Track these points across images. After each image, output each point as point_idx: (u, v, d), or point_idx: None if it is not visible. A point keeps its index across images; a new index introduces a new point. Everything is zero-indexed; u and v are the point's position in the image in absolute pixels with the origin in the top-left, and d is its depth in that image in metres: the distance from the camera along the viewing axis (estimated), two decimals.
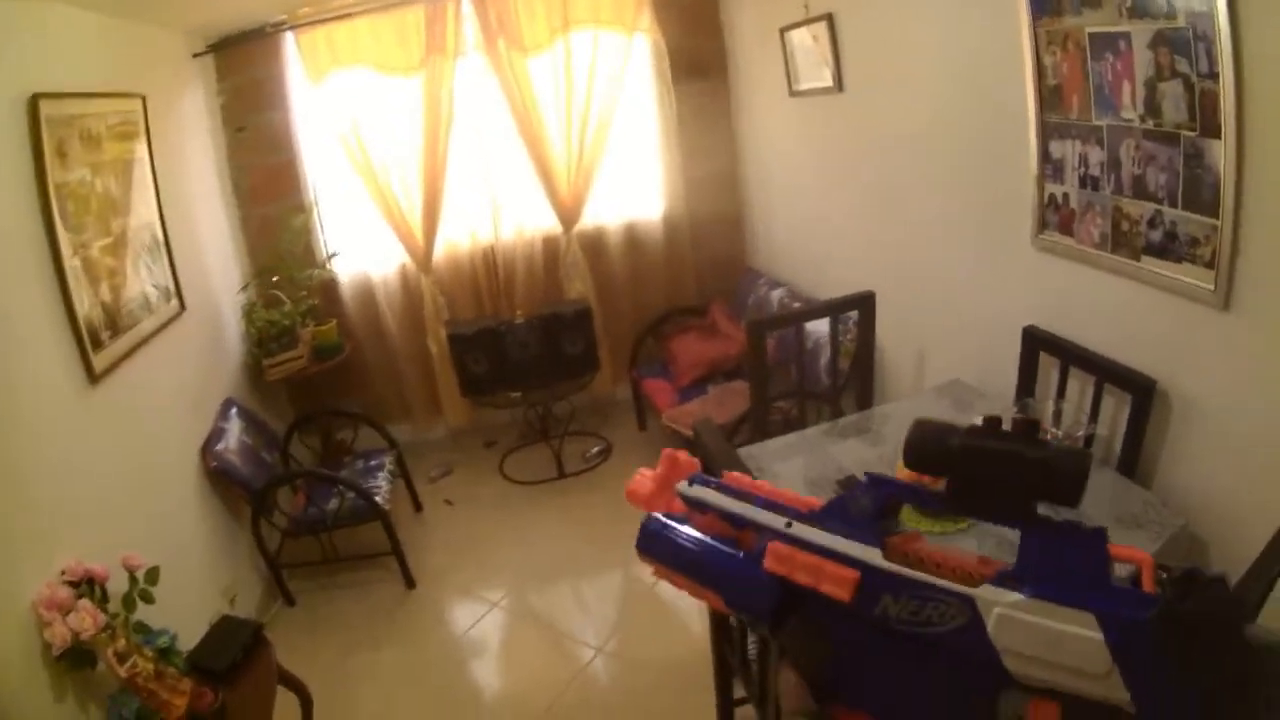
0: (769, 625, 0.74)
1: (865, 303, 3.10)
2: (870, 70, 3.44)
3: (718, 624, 2.50)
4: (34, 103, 2.58)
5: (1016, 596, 0.59)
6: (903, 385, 3.54)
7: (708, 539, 0.79)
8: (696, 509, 0.83)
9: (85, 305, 2.82)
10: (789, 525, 0.74)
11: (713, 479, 0.84)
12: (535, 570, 4.11)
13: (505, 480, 4.94)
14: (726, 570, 0.76)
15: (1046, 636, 0.57)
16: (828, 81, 3.65)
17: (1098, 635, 0.55)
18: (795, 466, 2.46)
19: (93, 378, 2.83)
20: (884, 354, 3.23)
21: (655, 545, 0.83)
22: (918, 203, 3.28)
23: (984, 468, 0.64)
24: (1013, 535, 0.63)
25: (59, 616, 2.28)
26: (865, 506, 0.72)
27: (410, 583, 4.06)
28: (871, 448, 2.49)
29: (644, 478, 0.90)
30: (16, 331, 2.48)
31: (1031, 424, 0.65)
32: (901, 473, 1.01)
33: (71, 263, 2.76)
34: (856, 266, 3.77)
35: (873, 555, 0.68)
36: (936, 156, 3.09)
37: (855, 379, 3.31)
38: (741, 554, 0.76)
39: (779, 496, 0.79)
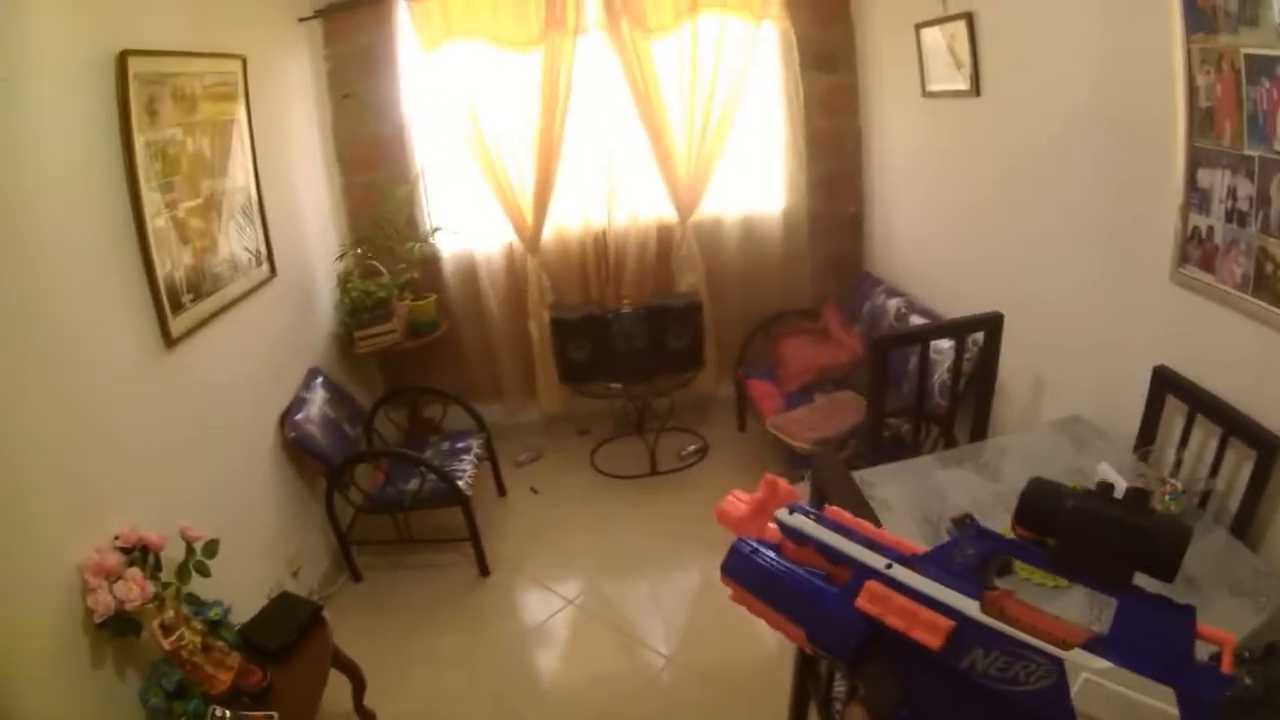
0: (849, 664, 0.75)
1: (992, 325, 2.91)
2: (1008, 76, 3.22)
3: (806, 658, 2.38)
4: (122, 59, 2.58)
5: (1104, 664, 0.62)
6: (1018, 413, 3.33)
7: (800, 570, 0.79)
8: (793, 539, 0.82)
9: (167, 267, 2.84)
10: (889, 566, 0.75)
11: (813, 511, 0.84)
12: (614, 568, 4.04)
13: (595, 471, 4.87)
14: (815, 603, 0.76)
15: (1126, 706, 0.60)
16: (962, 85, 3.43)
17: (1174, 711, 0.58)
18: (904, 494, 2.35)
19: (169, 341, 2.85)
20: (1000, 378, 3.02)
21: (743, 569, 0.83)
22: (1047, 221, 3.07)
23: (1089, 533, 0.68)
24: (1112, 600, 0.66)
25: (104, 583, 2.28)
26: (970, 557, 0.74)
27: (484, 570, 4.03)
28: (985, 482, 2.36)
29: (738, 500, 0.90)
30: (93, 291, 2.51)
31: (1142, 494, 0.69)
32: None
33: (155, 223, 2.77)
34: (977, 282, 3.57)
35: (970, 607, 0.70)
36: (1072, 174, 2.88)
37: (971, 402, 3.13)
38: (834, 589, 0.76)
39: (879, 537, 0.79)
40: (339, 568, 4.08)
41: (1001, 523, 1.66)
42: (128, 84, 2.57)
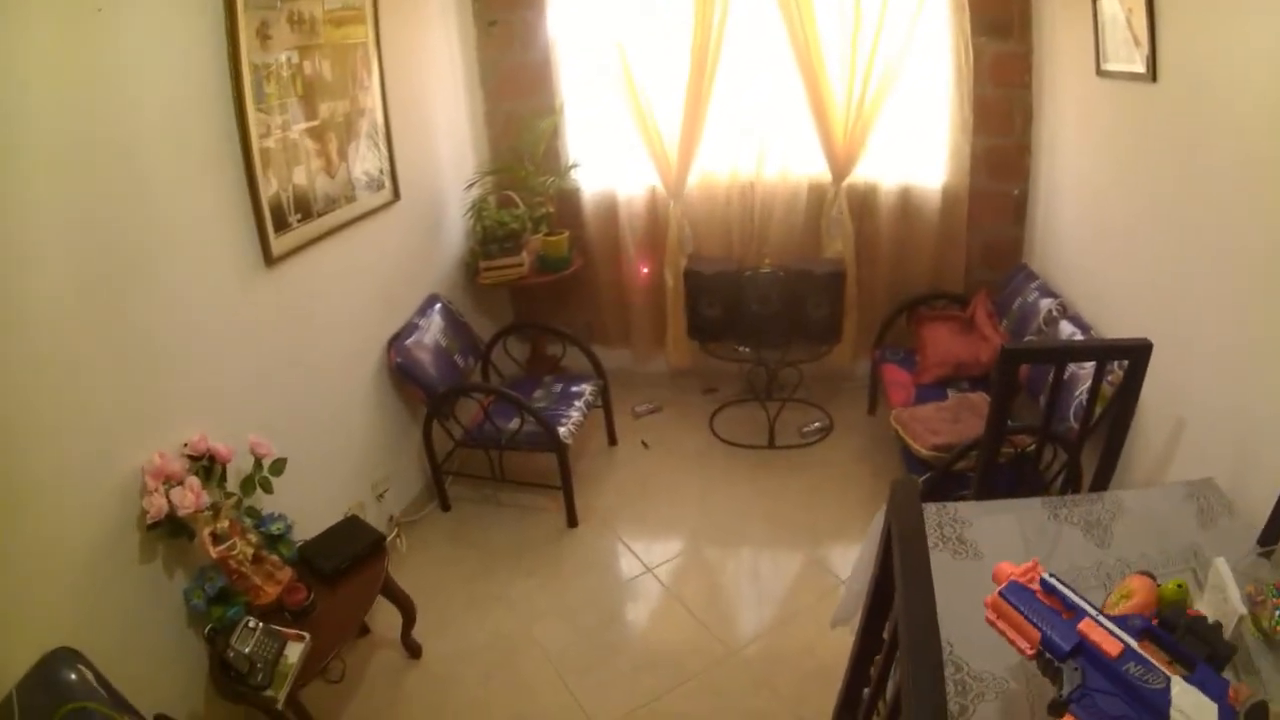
0: (1060, 659, 1.45)
1: (1138, 354, 2.64)
2: (1192, 63, 2.89)
3: (850, 698, 2.40)
4: None
5: (1186, 685, 1.37)
6: (1151, 458, 3.07)
7: (1047, 606, 1.54)
8: (1046, 590, 1.56)
9: (273, 187, 3.08)
10: (1098, 612, 1.51)
11: (1063, 581, 1.57)
12: (705, 542, 4.12)
13: (711, 434, 4.97)
14: (1054, 622, 1.50)
15: (1193, 703, 1.35)
16: (1137, 66, 3.20)
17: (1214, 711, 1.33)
18: (998, 541, 2.23)
19: (269, 260, 3.11)
20: (1138, 413, 2.79)
21: (1019, 596, 1.56)
22: (1222, 247, 2.74)
23: None
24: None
25: (161, 487, 2.56)
26: (1134, 625, 1.49)
27: (573, 521, 4.21)
28: (1090, 546, 2.20)
29: (1010, 567, 1.66)
30: (194, 207, 2.76)
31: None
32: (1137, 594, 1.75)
33: (262, 144, 3.01)
34: (1132, 298, 3.35)
35: (1132, 642, 1.44)
36: (1261, 197, 2.53)
37: (1102, 433, 2.95)
38: (1064, 620, 1.50)
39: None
40: (430, 495, 4.37)
41: (1094, 598, 1.70)
42: (235, 12, 2.79)
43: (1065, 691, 1.41)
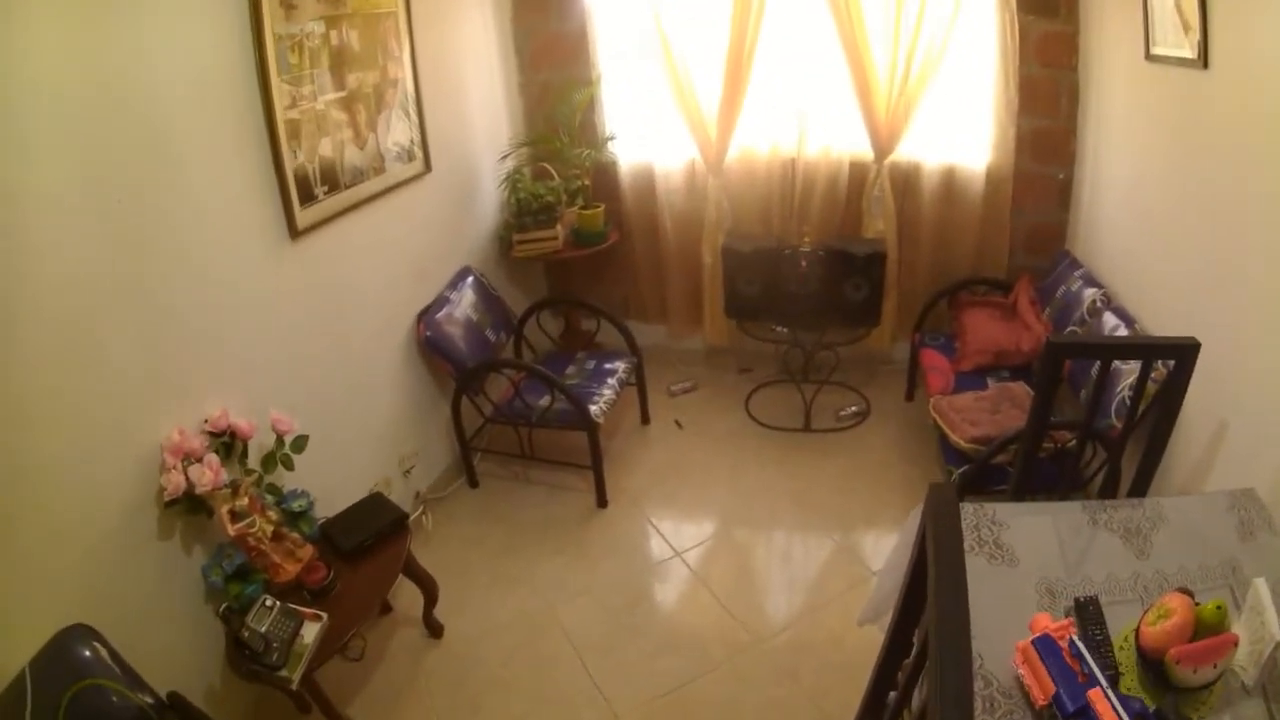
0: (1065, 716, 1.56)
1: (1185, 354, 2.58)
2: (1247, 51, 2.78)
3: (876, 699, 2.39)
4: None
5: None
6: (1191, 461, 3.01)
7: (1068, 666, 1.64)
8: (1073, 654, 1.66)
9: (298, 159, 3.11)
10: (1108, 687, 1.61)
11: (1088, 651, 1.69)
12: (736, 527, 4.12)
13: (746, 415, 4.96)
14: (1069, 685, 1.60)
15: None
16: (1187, 52, 3.12)
17: None
18: (1035, 545, 2.19)
19: (294, 233, 3.14)
20: (1181, 414, 2.75)
21: (1046, 649, 1.67)
22: (1271, 238, 2.67)
23: None
24: None
25: (180, 464, 2.60)
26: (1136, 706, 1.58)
27: (602, 501, 4.24)
28: (1129, 556, 2.15)
29: (1047, 620, 1.76)
30: (217, 179, 2.79)
31: None
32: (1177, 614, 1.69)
33: (287, 115, 3.03)
34: (1178, 294, 3.27)
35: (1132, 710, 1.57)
36: None
37: (1142, 432, 2.90)
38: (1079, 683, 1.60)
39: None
40: (457, 471, 4.42)
41: (1129, 614, 1.84)
42: None
43: None
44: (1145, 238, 3.64)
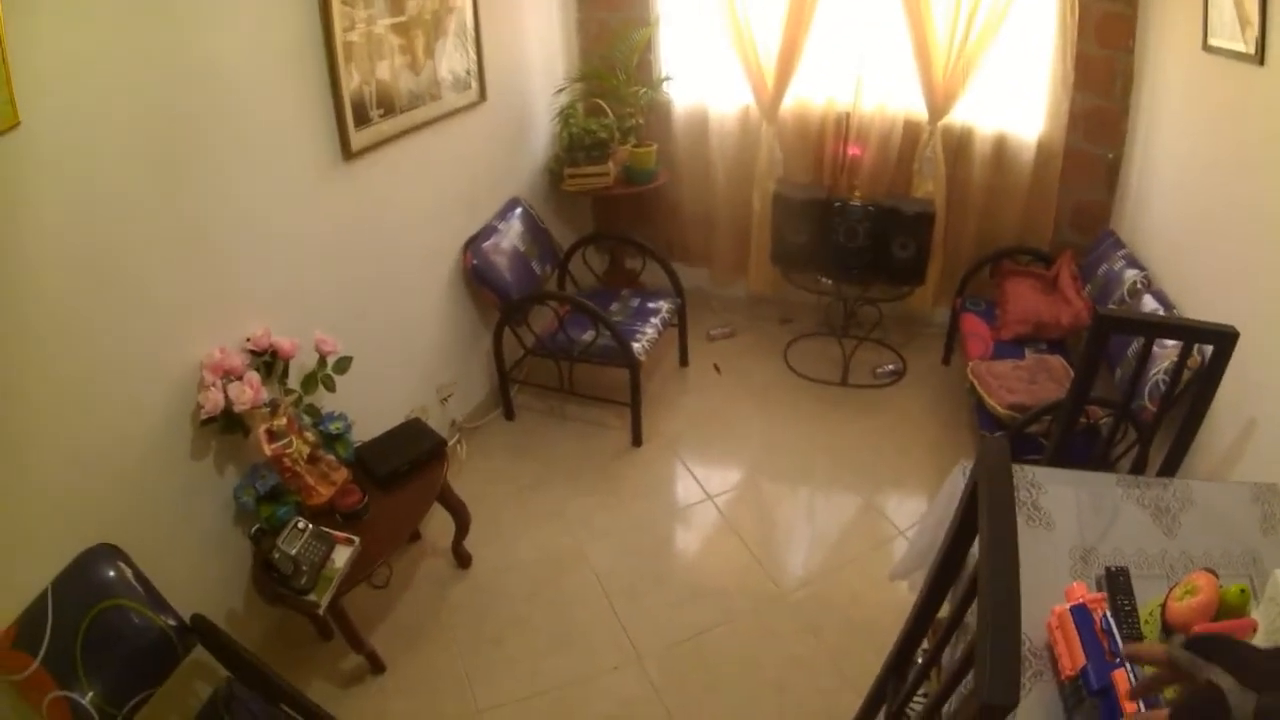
0: (1089, 691, 1.48)
1: (1224, 341, 2.51)
2: None
3: (900, 662, 2.30)
4: None
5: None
6: (1217, 453, 2.93)
7: (1098, 641, 1.55)
8: (1104, 630, 1.57)
9: (355, 81, 2.96)
10: (1132, 670, 1.48)
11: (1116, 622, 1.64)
12: (769, 475, 4.00)
13: (784, 365, 4.81)
14: (1098, 661, 1.51)
15: None
16: (1244, 47, 2.91)
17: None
18: (1070, 512, 2.15)
19: (347, 154, 3.00)
20: (1213, 405, 2.65)
21: (1081, 620, 1.59)
22: None
23: None
24: None
25: (219, 382, 2.49)
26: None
27: (637, 440, 4.12)
28: (1158, 533, 2.10)
29: (1082, 590, 1.67)
30: (274, 97, 2.66)
31: None
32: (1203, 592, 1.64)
33: (346, 37, 2.88)
34: (1221, 284, 3.14)
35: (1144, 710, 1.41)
36: None
37: (1172, 418, 2.80)
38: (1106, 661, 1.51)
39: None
40: (494, 402, 4.30)
41: (1156, 588, 1.80)
42: None
43: None
44: (1190, 227, 3.51)
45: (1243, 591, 1.66)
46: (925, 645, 2.15)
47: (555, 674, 2.93)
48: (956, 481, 2.23)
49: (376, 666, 2.90)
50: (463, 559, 3.35)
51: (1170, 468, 2.70)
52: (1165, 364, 2.96)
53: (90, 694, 1.89)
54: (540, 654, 3.01)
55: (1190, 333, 2.63)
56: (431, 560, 3.40)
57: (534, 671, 2.94)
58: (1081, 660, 1.54)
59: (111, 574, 2.04)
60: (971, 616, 1.70)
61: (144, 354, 2.30)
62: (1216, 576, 1.69)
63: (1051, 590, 1.76)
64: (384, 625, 3.11)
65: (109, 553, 2.08)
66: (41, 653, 1.85)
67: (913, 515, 3.62)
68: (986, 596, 1.33)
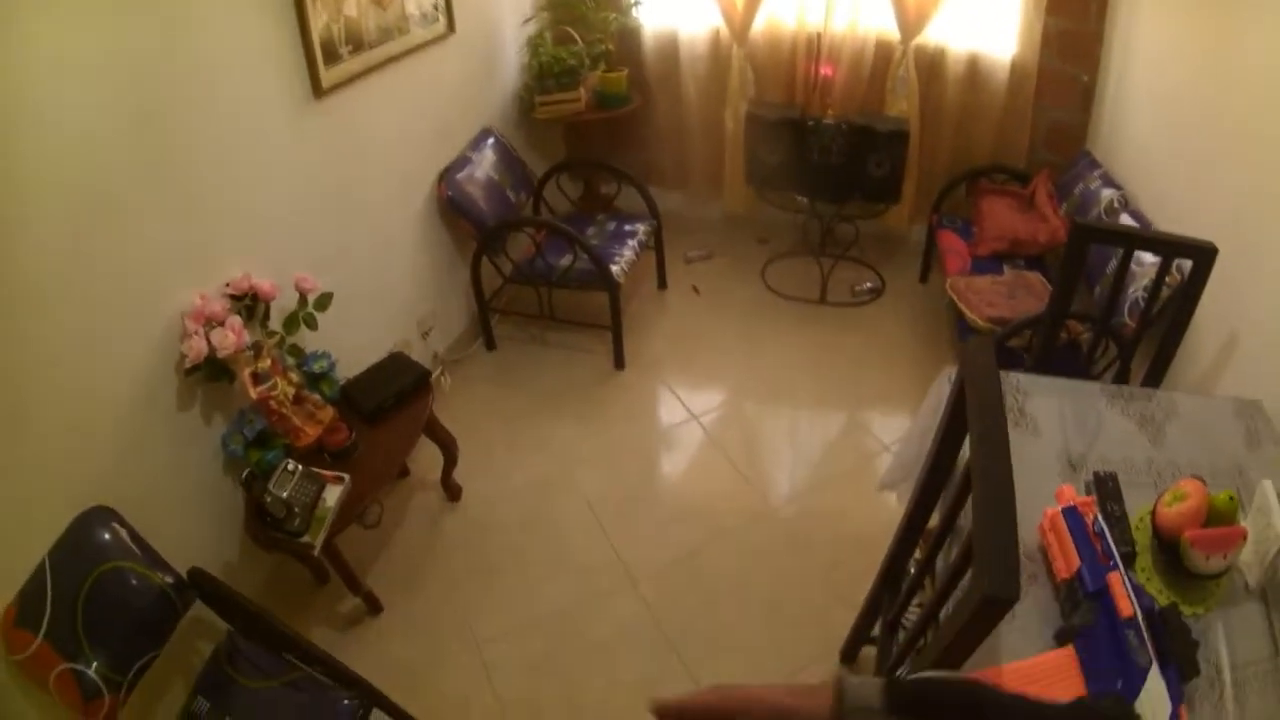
0: (1084, 593, 1.50)
1: (1203, 257, 2.49)
2: None
3: (890, 577, 2.30)
4: None
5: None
6: (1198, 369, 2.93)
7: (1091, 543, 1.57)
8: (1097, 533, 1.60)
9: (323, 19, 2.86)
10: (1126, 573, 1.53)
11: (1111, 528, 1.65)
12: (752, 393, 3.99)
13: (763, 285, 4.76)
14: (1092, 563, 1.53)
15: None
16: None
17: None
18: (1057, 418, 2.15)
19: (318, 92, 2.90)
20: (1193, 321, 2.63)
21: (1074, 522, 1.61)
22: None
23: None
24: None
25: (201, 329, 2.43)
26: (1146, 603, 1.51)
27: (619, 363, 4.09)
28: (1144, 442, 2.09)
29: (1071, 493, 1.70)
30: (241, 36, 2.55)
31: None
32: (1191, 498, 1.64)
33: None
34: (1197, 200, 3.12)
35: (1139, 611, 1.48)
36: None
37: (1156, 334, 2.79)
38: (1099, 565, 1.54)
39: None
40: (475, 333, 4.26)
41: (1144, 496, 1.83)
42: None
43: (1078, 622, 1.49)
44: (1167, 145, 3.48)
45: (1231, 499, 1.66)
46: (917, 555, 2.17)
47: (552, 601, 2.94)
48: (942, 389, 2.21)
49: (374, 607, 2.90)
50: (453, 492, 3.33)
51: (1153, 381, 2.69)
52: (1144, 281, 2.95)
53: (95, 664, 1.86)
54: (536, 582, 3.01)
55: (1169, 246, 2.61)
56: (421, 495, 3.38)
57: (530, 600, 2.95)
58: (1076, 563, 1.55)
59: (107, 536, 2.00)
60: (964, 520, 1.74)
61: (124, 308, 2.23)
62: (1205, 484, 1.69)
63: (1041, 494, 1.77)
64: (379, 565, 3.10)
65: (104, 515, 2.03)
66: (43, 628, 1.82)
67: (897, 430, 3.63)
68: (981, 489, 1.34)
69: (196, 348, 2.39)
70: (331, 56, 2.93)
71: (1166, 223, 3.27)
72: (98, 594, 1.90)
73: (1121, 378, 2.85)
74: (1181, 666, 1.43)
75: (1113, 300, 2.74)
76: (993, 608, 1.21)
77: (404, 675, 2.68)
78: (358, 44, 3.08)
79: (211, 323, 2.46)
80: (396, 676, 2.61)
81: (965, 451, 1.63)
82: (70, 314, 2.04)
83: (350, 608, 2.91)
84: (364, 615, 2.90)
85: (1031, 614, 1.59)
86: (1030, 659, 1.48)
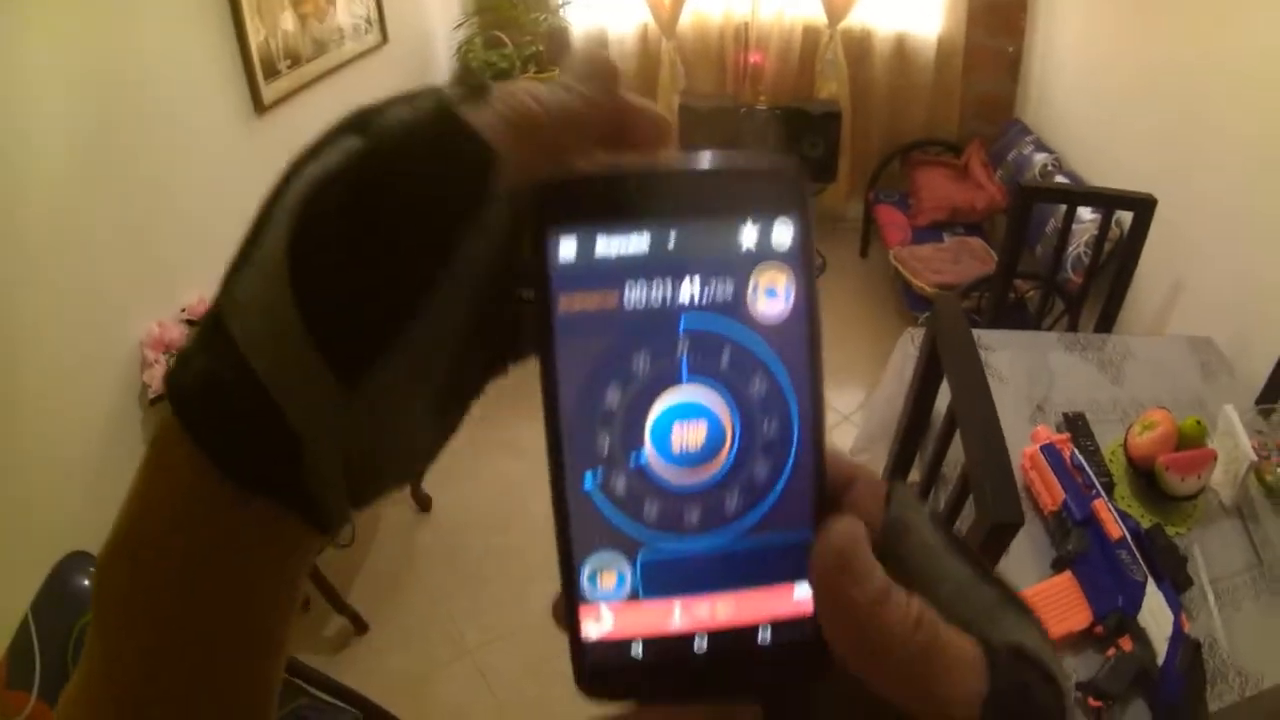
0: (1075, 524, 1.58)
1: (1143, 208, 2.56)
2: None
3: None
4: None
5: None
6: (1149, 315, 3.00)
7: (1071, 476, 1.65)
8: (1075, 466, 1.67)
9: (260, 34, 2.75)
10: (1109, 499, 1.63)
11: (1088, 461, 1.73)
12: None
13: None
14: (1076, 493, 1.61)
15: None
16: None
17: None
18: (1020, 368, 2.19)
19: (260, 108, 2.79)
20: (1138, 270, 2.68)
21: (1053, 458, 1.68)
22: (1227, 107, 2.62)
23: None
24: None
25: (162, 357, 2.30)
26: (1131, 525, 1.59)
27: None
28: (1106, 382, 2.16)
29: (1047, 431, 1.78)
30: (181, 56, 2.44)
31: None
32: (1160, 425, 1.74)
33: None
34: (1131, 157, 3.17)
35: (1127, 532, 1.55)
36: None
37: (1103, 287, 2.83)
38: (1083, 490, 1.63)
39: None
40: None
41: (1113, 432, 1.91)
42: None
43: (1072, 549, 1.55)
44: (1100, 106, 3.55)
45: (1199, 423, 1.76)
46: None
47: (541, 600, 2.76)
48: (906, 350, 2.24)
49: (359, 627, 2.76)
50: (422, 502, 3.21)
51: (1104, 330, 2.72)
52: (1085, 237, 2.98)
53: None
54: (521, 583, 2.91)
55: (1110, 200, 2.68)
56: (392, 509, 3.23)
57: (519, 601, 2.85)
58: (1061, 495, 1.63)
59: (86, 583, 1.85)
60: (948, 468, 1.82)
61: (83, 342, 2.09)
62: (1171, 413, 1.78)
63: (1015, 437, 1.76)
64: (358, 583, 2.95)
65: (82, 561, 1.89)
66: (36, 687, 1.67)
67: (853, 401, 3.61)
68: (970, 428, 1.45)
69: (158, 377, 2.26)
70: (271, 72, 2.83)
71: (1100, 180, 3.32)
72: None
73: (1072, 329, 2.87)
74: (1175, 579, 1.52)
75: (1057, 258, 2.79)
76: (1002, 532, 1.27)
77: (401, 691, 2.57)
78: (295, 58, 2.98)
79: (170, 350, 2.33)
80: (394, 693, 2.47)
81: (940, 406, 1.74)
82: (32, 352, 1.92)
83: (335, 631, 2.76)
84: (351, 636, 2.75)
85: (1025, 547, 1.64)
86: (1034, 586, 1.54)
